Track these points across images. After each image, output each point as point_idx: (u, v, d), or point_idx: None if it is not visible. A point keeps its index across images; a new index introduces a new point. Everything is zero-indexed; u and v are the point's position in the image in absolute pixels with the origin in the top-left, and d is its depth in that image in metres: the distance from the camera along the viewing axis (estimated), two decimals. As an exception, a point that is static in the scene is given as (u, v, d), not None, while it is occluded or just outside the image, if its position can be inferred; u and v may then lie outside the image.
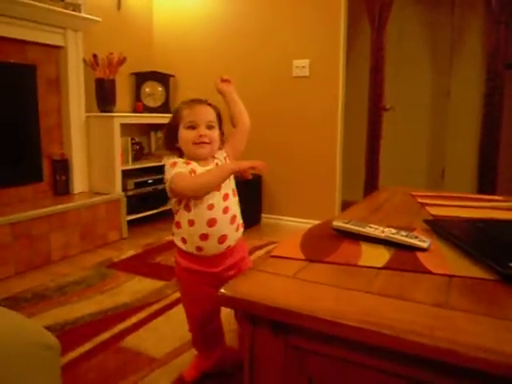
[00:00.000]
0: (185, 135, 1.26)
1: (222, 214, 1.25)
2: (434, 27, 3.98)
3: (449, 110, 4.00)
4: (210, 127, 1.27)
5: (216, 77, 1.43)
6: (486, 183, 3.30)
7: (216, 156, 1.33)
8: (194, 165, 1.25)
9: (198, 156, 1.27)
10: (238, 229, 1.32)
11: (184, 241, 1.27)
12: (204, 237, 1.24)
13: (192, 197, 1.23)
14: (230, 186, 1.30)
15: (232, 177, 1.31)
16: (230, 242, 1.29)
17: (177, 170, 1.22)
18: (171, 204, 1.31)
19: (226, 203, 1.26)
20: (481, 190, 3.33)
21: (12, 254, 2.38)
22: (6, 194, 2.71)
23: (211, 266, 1.28)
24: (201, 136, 1.25)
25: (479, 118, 3.52)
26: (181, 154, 1.31)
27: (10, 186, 2.74)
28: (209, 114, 1.29)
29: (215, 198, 1.24)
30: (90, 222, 2.84)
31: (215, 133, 1.29)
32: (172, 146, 1.31)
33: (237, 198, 1.33)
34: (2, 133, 2.72)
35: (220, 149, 1.36)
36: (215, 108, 1.33)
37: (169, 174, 1.23)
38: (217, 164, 1.31)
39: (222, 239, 1.26)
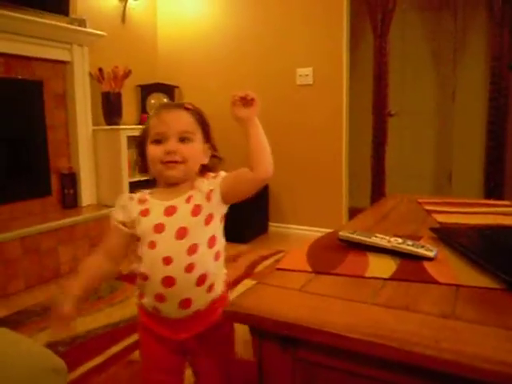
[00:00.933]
0: (150, 152, 0.95)
1: (184, 273, 0.91)
2: (437, 32, 3.98)
3: (454, 114, 3.99)
4: (184, 139, 0.94)
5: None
6: (493, 187, 3.29)
7: (196, 184, 0.97)
8: (149, 203, 0.96)
9: (167, 180, 0.96)
10: (210, 290, 0.96)
11: (141, 295, 0.98)
12: (160, 298, 0.93)
13: None
14: (205, 232, 0.94)
15: (218, 217, 0.98)
16: (198, 306, 0.95)
17: (112, 220, 0.99)
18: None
19: (190, 258, 0.91)
20: (488, 194, 3.31)
21: (21, 269, 2.40)
22: (15, 208, 2.74)
23: (173, 332, 0.96)
24: (169, 153, 0.92)
25: (485, 121, 3.52)
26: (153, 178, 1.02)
27: (19, 201, 2.77)
28: (182, 122, 0.95)
29: (174, 250, 0.91)
30: (98, 235, 2.86)
31: (192, 147, 0.95)
32: (146, 167, 1.01)
33: (217, 248, 0.96)
34: (11, 148, 2.76)
35: (206, 174, 0.99)
36: (195, 112, 0.99)
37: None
38: (189, 199, 0.95)
39: (185, 304, 0.93)
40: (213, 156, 1.02)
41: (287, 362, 0.71)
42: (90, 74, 3.14)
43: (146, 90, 3.67)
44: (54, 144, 2.99)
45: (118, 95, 3.25)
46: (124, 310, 2.08)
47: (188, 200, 0.95)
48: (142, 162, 1.02)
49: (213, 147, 1.03)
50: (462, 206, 1.54)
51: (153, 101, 3.66)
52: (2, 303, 2.22)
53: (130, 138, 3.21)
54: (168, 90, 3.72)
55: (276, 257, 2.78)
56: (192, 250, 0.91)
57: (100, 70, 3.17)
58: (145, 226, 0.94)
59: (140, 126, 3.51)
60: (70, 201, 3.02)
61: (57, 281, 2.54)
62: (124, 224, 0.96)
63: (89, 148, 3.14)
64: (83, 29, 2.98)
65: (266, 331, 0.72)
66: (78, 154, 3.07)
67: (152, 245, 0.92)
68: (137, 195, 0.99)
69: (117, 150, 3.11)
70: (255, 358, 0.75)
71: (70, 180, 3.02)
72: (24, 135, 2.82)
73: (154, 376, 1.01)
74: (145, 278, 0.94)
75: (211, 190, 0.95)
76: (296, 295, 0.77)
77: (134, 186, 3.25)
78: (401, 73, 3.91)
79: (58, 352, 1.69)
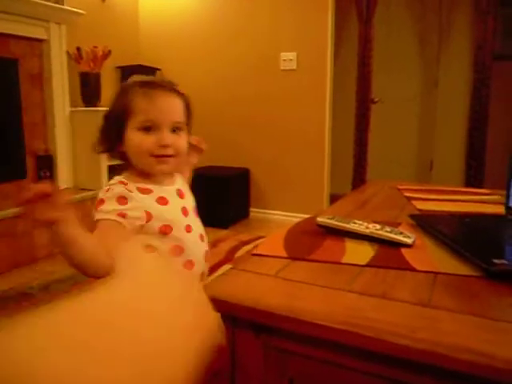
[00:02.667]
0: (137, 141, 0.86)
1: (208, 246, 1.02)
2: (422, 19, 3.97)
3: (437, 102, 4.00)
4: (176, 130, 0.88)
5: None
6: (474, 176, 3.32)
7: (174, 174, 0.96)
8: (157, 191, 0.88)
9: (155, 173, 0.89)
10: None
11: None
12: (202, 276, 0.98)
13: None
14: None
15: (189, 190, 0.99)
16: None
17: (108, 209, 0.82)
18: None
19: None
20: (469, 183, 3.34)
21: (-5, 252, 2.34)
22: (-11, 190, 2.67)
23: None
24: (164, 146, 0.86)
25: (467, 110, 3.53)
26: (122, 160, 0.93)
27: (-7, 183, 2.70)
28: (176, 111, 0.88)
29: (200, 227, 0.99)
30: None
31: (183, 139, 0.91)
32: (111, 147, 0.91)
33: None
34: (-16, 128, 2.67)
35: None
36: (183, 97, 0.92)
37: (98, 213, 0.84)
38: (179, 190, 0.94)
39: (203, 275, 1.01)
40: (191, 146, 0.98)
41: (260, 350, 0.69)
42: (68, 54, 3.05)
43: (127, 72, 3.59)
44: (30, 125, 2.90)
45: (97, 76, 3.17)
46: (100, 295, 2.04)
47: (183, 183, 0.99)
48: (105, 138, 0.91)
49: (189, 133, 0.97)
50: (442, 194, 1.53)
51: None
52: (-26, 288, 2.17)
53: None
54: (149, 72, 3.64)
55: (256, 242, 2.76)
56: None
57: (78, 49, 3.08)
58: (172, 212, 0.89)
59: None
60: (46, 184, 2.94)
61: (32, 265, 2.49)
62: (124, 216, 0.83)
63: (66, 129, 3.07)
64: (61, 6, 2.88)
65: (239, 318, 0.69)
66: (55, 135, 3.00)
67: (189, 228, 0.91)
68: (129, 185, 0.87)
69: (95, 133, 3.02)
70: (227, 344, 0.73)
71: (46, 162, 2.95)
72: (-2, 115, 2.74)
73: None
74: (191, 265, 0.89)
75: (183, 184, 0.99)
76: (270, 281, 0.75)
77: (113, 170, 3.20)
78: (385, 60, 3.90)
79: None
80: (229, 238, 2.83)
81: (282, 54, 3.30)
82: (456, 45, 3.86)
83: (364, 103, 3.34)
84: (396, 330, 0.57)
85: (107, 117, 0.92)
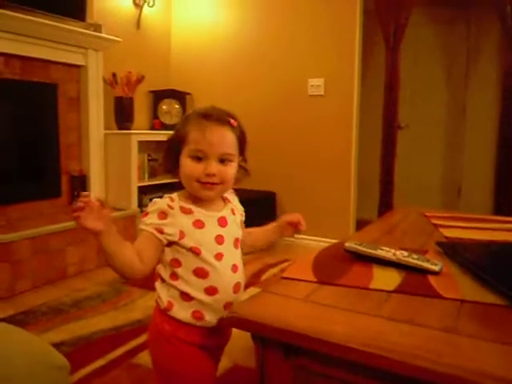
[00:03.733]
0: (187, 168, 0.92)
1: (244, 278, 1.01)
2: (449, 45, 3.99)
3: (465, 128, 3.98)
4: (224, 161, 0.92)
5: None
6: (503, 203, 3.27)
7: (228, 196, 1.03)
8: (197, 214, 0.93)
9: (201, 197, 0.94)
10: None
11: (199, 314, 0.93)
12: (228, 306, 0.92)
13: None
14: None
15: (236, 222, 1.02)
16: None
17: (151, 221, 0.90)
18: (163, 264, 0.95)
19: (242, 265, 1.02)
20: (497, 210, 3.29)
21: (29, 268, 2.42)
22: (26, 208, 2.78)
23: (220, 337, 1.00)
24: (208, 175, 0.90)
25: (496, 136, 3.50)
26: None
27: (30, 201, 2.81)
28: (226, 143, 0.92)
29: (236, 258, 0.99)
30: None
31: (231, 170, 0.94)
32: (172, 169, 0.97)
33: None
34: (24, 149, 2.81)
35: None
36: (237, 130, 0.95)
37: (141, 223, 0.92)
38: (233, 210, 1.01)
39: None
40: (240, 166, 1.00)
41: (288, 370, 0.72)
42: (104, 79, 3.18)
43: (158, 96, 3.71)
44: (66, 146, 3.02)
45: (131, 100, 3.29)
46: (128, 313, 2.09)
47: (233, 211, 1.01)
48: (167, 162, 0.98)
49: (244, 160, 1.01)
50: (470, 221, 1.53)
51: (164, 106, 3.69)
52: (9, 302, 2.24)
53: (141, 143, 3.24)
54: (180, 96, 3.76)
55: (282, 265, 2.78)
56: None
57: (113, 74, 3.21)
58: (205, 237, 0.93)
59: (152, 131, 3.55)
60: (79, 203, 3.04)
61: (63, 282, 2.56)
62: (160, 231, 0.90)
63: (100, 151, 3.18)
64: (98, 34, 3.02)
65: (269, 339, 0.72)
66: (89, 156, 3.11)
67: (219, 256, 0.93)
68: (174, 203, 0.93)
69: (127, 154, 3.14)
70: (257, 365, 0.75)
71: (80, 182, 3.05)
72: (37, 137, 2.86)
73: None
74: (213, 292, 0.92)
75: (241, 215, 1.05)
76: (300, 304, 0.78)
77: (143, 191, 3.28)
78: (412, 86, 3.92)
79: (62, 352, 1.70)
80: (254, 260, 2.86)
81: (310, 80, 3.37)
82: (484, 71, 3.85)
83: (390, 128, 3.35)
84: (420, 353, 0.59)
85: (169, 141, 0.98)
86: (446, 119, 4.07)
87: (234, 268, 0.96)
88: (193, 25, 3.85)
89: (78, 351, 1.73)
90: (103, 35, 3.05)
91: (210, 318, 0.93)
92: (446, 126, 4.07)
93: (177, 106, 3.73)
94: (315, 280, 0.89)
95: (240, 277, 0.98)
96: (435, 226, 1.46)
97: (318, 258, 1.05)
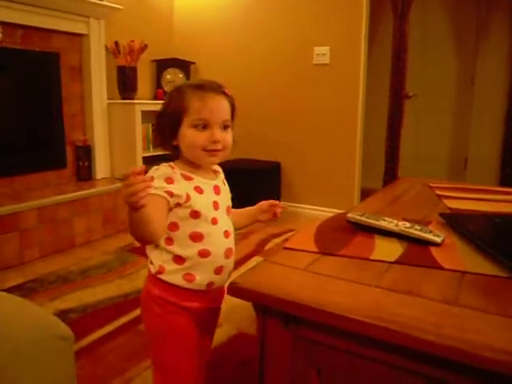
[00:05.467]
0: (192, 137, 0.95)
1: (234, 244, 1.05)
2: (459, 13, 3.88)
3: (473, 99, 3.91)
4: (224, 127, 0.98)
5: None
6: (510, 175, 3.24)
7: (215, 168, 1.08)
8: (196, 181, 0.98)
9: (205, 165, 1.01)
10: None
11: (190, 276, 0.95)
12: (219, 270, 0.99)
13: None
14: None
15: (227, 192, 1.07)
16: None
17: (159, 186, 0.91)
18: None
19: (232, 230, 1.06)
20: (504, 182, 3.27)
21: (37, 238, 2.45)
22: (32, 179, 2.79)
23: (212, 301, 1.02)
24: (215, 142, 0.95)
25: (504, 107, 3.45)
26: (175, 154, 1.02)
27: (35, 172, 2.82)
28: (225, 110, 0.98)
29: (228, 224, 1.03)
30: (111, 208, 2.90)
31: (230, 136, 1.00)
32: (167, 143, 1.00)
33: None
34: (28, 119, 2.79)
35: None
36: (230, 98, 1.02)
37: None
38: (224, 181, 1.08)
39: (230, 271, 1.03)
40: None
41: (288, 339, 0.73)
42: (106, 48, 3.14)
43: (162, 65, 3.66)
44: (70, 116, 3.01)
45: (134, 69, 3.25)
46: (134, 281, 2.12)
47: (224, 182, 1.06)
48: (160, 135, 1.01)
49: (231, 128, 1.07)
50: (475, 193, 1.52)
51: (168, 76, 3.65)
52: (19, 271, 2.29)
53: (145, 113, 3.22)
54: (184, 65, 3.70)
55: (286, 235, 2.80)
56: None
57: (116, 43, 3.16)
58: (204, 202, 0.97)
59: (155, 101, 3.52)
60: (84, 173, 3.05)
61: (71, 251, 2.60)
62: (171, 194, 0.92)
63: (103, 121, 3.16)
64: (100, 2, 2.96)
65: (269, 308, 0.73)
66: (93, 126, 3.10)
67: (214, 221, 0.98)
68: (176, 170, 0.97)
69: (131, 125, 3.12)
70: (258, 334, 0.76)
71: (85, 152, 3.05)
72: (41, 107, 2.85)
73: (187, 360, 0.99)
74: (206, 254, 0.96)
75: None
76: (300, 274, 0.79)
77: (148, 161, 3.28)
78: (420, 55, 3.83)
79: (69, 319, 1.74)
80: (258, 230, 2.87)
81: (316, 48, 3.30)
82: (493, 41, 3.75)
83: (398, 98, 3.29)
84: (421, 325, 0.60)
85: (162, 115, 1.00)
86: (455, 90, 3.99)
87: (226, 234, 1.00)
88: (196, -9, 3.76)
89: (85, 318, 1.77)
90: (105, 3, 2.99)
91: (201, 280, 0.96)
92: (455, 97, 4.00)
93: (181, 76, 3.68)
94: (317, 250, 0.90)
95: (231, 242, 1.02)
96: (439, 196, 1.46)
97: (320, 228, 1.06)
